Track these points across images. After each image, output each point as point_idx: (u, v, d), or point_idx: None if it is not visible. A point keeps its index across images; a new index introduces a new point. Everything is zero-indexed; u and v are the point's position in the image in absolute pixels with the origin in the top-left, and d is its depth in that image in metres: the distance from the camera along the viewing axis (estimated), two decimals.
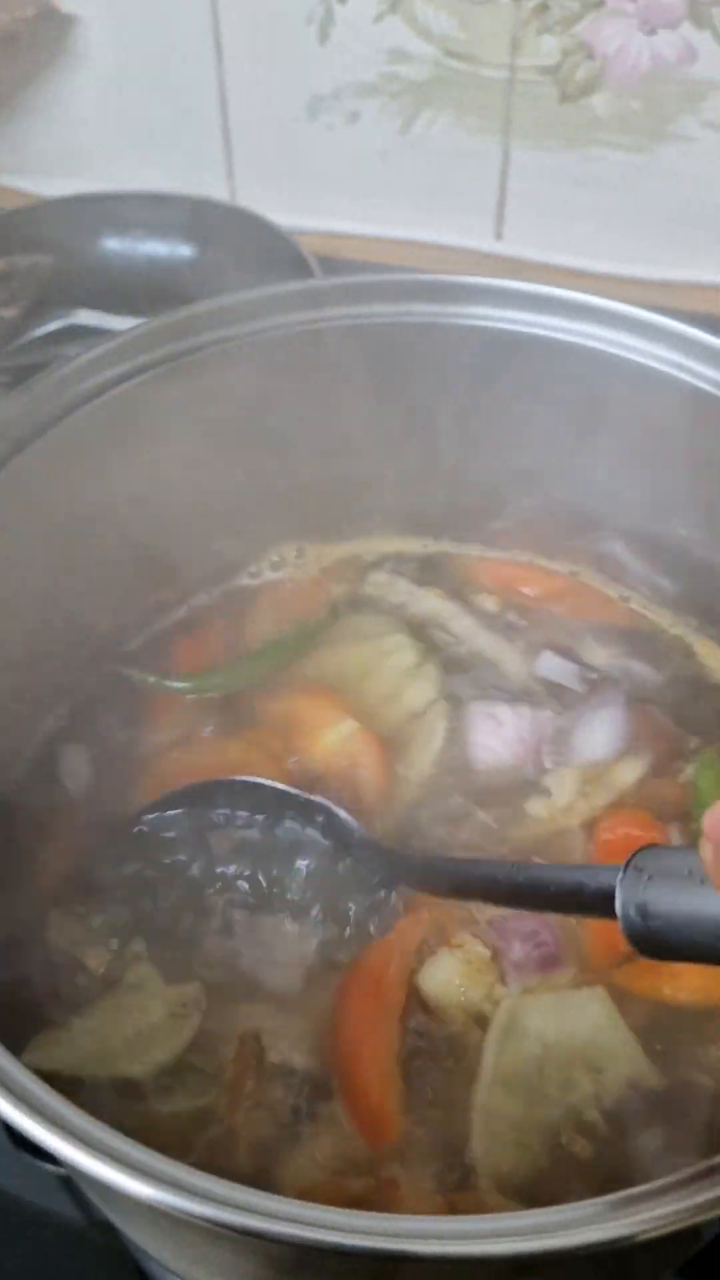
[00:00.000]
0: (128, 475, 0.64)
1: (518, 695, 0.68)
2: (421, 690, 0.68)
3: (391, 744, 0.66)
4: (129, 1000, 0.56)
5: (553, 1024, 0.53)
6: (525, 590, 0.77)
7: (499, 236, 1.23)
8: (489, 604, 0.76)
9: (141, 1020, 0.54)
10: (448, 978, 0.55)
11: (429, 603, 0.74)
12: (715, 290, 1.16)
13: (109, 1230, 0.60)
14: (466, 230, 1.23)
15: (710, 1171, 0.32)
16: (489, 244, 1.23)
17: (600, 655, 0.71)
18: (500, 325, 0.66)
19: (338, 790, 0.63)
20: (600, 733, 0.65)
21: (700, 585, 0.71)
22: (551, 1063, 0.52)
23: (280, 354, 0.68)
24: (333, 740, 0.65)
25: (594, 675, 0.70)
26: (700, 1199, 0.30)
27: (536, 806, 0.63)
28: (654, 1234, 0.32)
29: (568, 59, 1.08)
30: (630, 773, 0.64)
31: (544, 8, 1.06)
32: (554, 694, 0.69)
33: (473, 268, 1.20)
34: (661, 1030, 0.53)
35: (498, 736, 0.65)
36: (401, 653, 0.70)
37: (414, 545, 0.79)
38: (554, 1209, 0.30)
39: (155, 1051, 0.53)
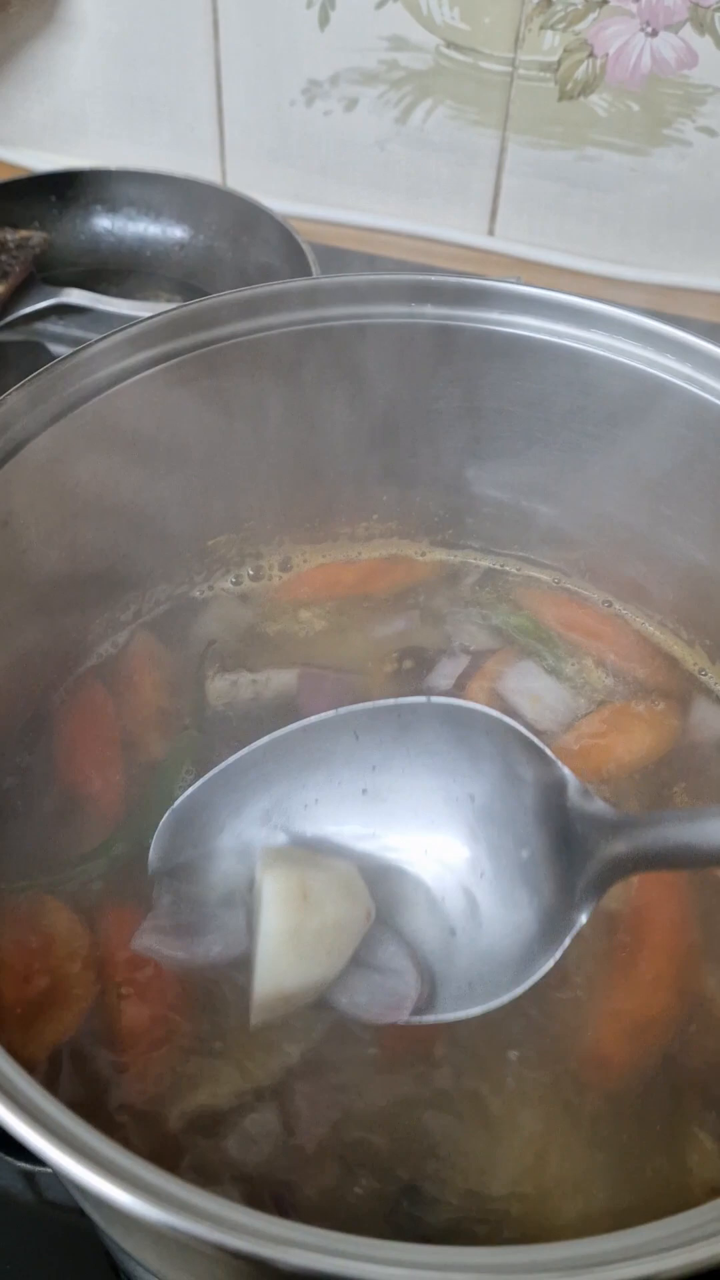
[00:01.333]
0: (123, 473, 0.63)
1: None
2: None
3: None
4: None
5: None
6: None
7: (491, 232, 1.23)
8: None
9: None
10: None
11: (279, 679, 0.69)
12: (704, 295, 1.17)
13: (75, 1219, 0.61)
14: (459, 224, 1.22)
15: None
16: (481, 239, 1.22)
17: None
18: (506, 330, 0.66)
19: None
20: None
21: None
22: None
23: (283, 353, 0.68)
24: None
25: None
26: None
27: None
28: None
29: (569, 57, 1.08)
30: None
31: (548, 4, 1.05)
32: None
33: (465, 263, 1.20)
34: None
35: None
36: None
37: (409, 550, 0.79)
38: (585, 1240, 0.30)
39: None
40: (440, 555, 0.79)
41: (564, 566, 0.77)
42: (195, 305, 0.61)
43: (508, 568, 0.78)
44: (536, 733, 0.65)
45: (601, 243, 1.19)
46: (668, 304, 1.14)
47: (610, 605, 0.75)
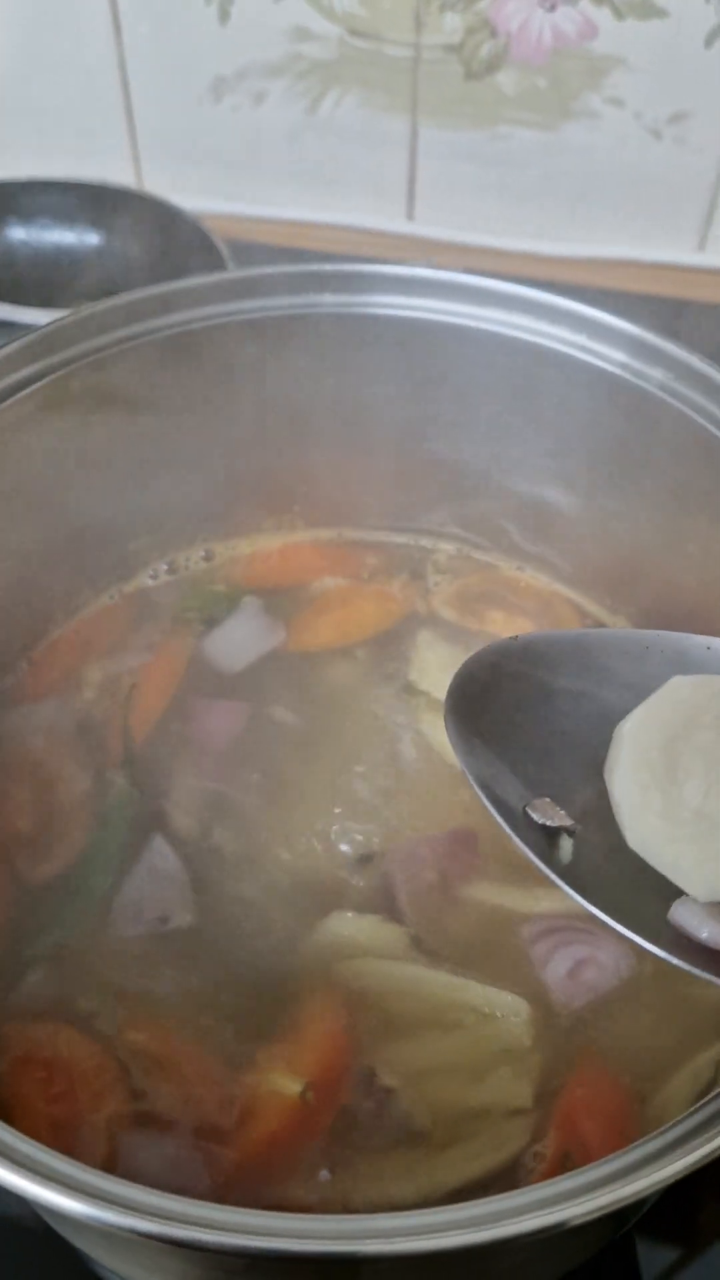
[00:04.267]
0: (35, 474, 0.63)
1: None
2: None
3: None
4: None
5: None
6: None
7: (410, 217, 1.23)
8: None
9: None
10: None
11: None
12: (620, 265, 1.18)
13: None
14: (378, 211, 1.23)
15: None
16: (401, 224, 1.23)
17: None
18: (410, 314, 0.66)
19: None
20: None
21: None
22: None
23: (193, 348, 0.68)
24: None
25: None
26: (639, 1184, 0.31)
27: None
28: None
29: (471, 36, 1.08)
30: None
31: None
32: None
33: (385, 249, 1.20)
34: None
35: None
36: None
37: (326, 534, 0.80)
38: (499, 1198, 0.30)
39: None
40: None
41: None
42: (88, 310, 0.61)
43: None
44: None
45: (520, 219, 1.19)
46: (591, 276, 1.15)
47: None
